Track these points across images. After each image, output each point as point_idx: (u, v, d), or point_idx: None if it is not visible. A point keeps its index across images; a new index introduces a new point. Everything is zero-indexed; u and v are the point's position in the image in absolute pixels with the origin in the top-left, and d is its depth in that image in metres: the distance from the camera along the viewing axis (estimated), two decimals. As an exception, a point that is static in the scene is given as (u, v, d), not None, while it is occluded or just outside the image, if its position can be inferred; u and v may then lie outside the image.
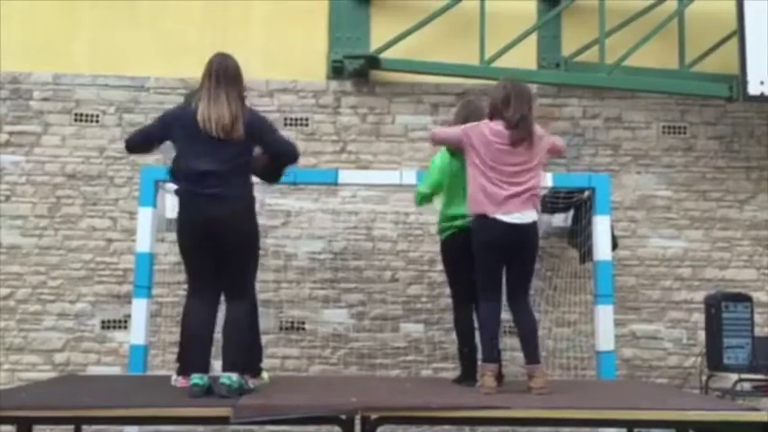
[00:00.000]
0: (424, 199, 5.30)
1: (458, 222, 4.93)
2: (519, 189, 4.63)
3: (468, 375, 4.91)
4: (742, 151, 7.17)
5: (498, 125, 4.69)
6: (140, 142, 4.52)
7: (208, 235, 4.24)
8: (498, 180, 4.63)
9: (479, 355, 4.75)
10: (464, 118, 5.01)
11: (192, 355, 4.36)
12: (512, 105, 4.67)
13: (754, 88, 6.64)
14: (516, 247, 4.66)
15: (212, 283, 4.34)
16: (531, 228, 4.69)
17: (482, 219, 4.65)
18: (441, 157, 5.16)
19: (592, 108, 7.20)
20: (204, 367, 4.24)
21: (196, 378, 4.18)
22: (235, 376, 4.17)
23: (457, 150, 4.91)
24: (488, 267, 4.69)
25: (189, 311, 4.43)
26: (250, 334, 4.58)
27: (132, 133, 4.64)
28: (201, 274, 4.35)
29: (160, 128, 4.45)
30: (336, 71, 7.08)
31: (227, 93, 4.30)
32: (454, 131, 4.84)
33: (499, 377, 4.79)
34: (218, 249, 4.28)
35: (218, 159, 4.24)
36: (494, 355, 4.66)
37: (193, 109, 4.32)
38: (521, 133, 4.65)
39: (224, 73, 4.32)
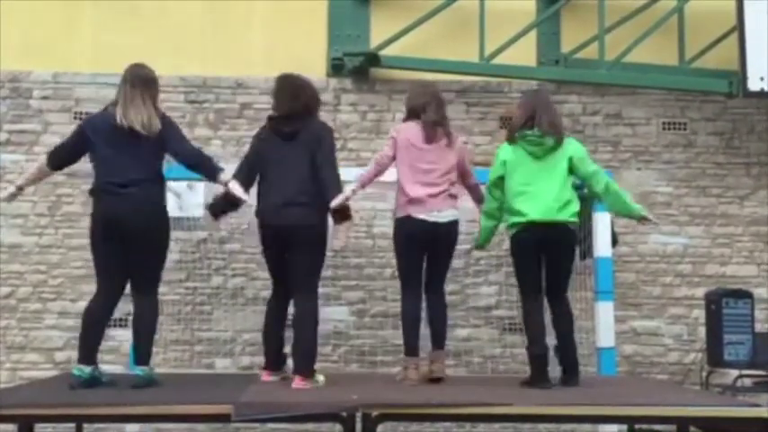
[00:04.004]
0: (490, 234, 5.32)
1: (524, 218, 4.92)
2: (435, 190, 4.97)
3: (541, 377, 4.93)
4: (742, 147, 7.17)
5: (416, 125, 5.03)
6: (64, 156, 4.98)
7: (117, 232, 4.68)
8: (418, 180, 4.97)
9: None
10: (531, 109, 5.03)
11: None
12: (430, 108, 5.04)
13: (753, 84, 6.62)
14: (434, 243, 5.03)
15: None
16: (452, 225, 5.06)
17: (405, 218, 5.02)
18: (503, 150, 5.11)
19: (592, 105, 7.20)
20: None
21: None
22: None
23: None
24: (409, 260, 5.07)
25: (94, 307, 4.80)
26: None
27: (53, 150, 5.03)
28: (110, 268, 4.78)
29: (78, 135, 4.90)
30: (336, 68, 7.07)
31: (142, 95, 4.73)
32: (386, 151, 5.12)
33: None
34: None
35: (135, 160, 4.70)
36: (416, 349, 4.99)
37: (110, 113, 4.76)
38: (435, 132, 5.02)
39: (138, 79, 4.81)
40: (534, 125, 4.97)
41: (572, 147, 5.07)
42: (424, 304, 5.09)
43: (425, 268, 5.14)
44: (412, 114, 5.17)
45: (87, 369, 4.60)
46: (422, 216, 4.97)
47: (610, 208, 5.45)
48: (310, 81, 5.21)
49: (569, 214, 4.93)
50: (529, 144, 4.97)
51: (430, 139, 5.04)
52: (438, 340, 5.08)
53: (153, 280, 4.85)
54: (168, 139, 4.80)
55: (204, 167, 4.88)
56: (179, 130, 4.94)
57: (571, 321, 5.04)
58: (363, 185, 5.07)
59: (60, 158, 4.98)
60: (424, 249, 5.06)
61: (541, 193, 4.90)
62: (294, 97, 5.03)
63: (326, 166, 4.88)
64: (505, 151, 5.07)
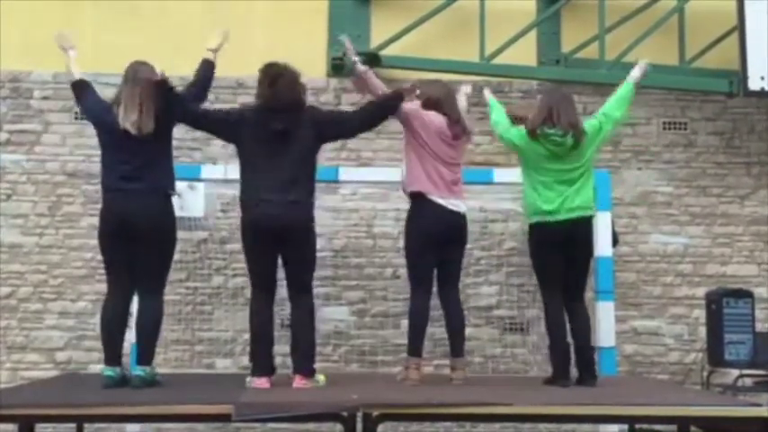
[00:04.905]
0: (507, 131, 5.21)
1: (543, 218, 4.93)
2: (456, 179, 5.01)
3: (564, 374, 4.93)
4: (742, 147, 7.17)
5: (440, 116, 4.99)
6: (82, 89, 5.07)
7: (123, 231, 4.75)
8: (444, 172, 4.95)
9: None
10: (547, 107, 4.99)
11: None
12: (452, 103, 5.04)
13: (754, 83, 6.63)
14: (450, 233, 5.00)
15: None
16: (465, 219, 5.09)
17: (422, 200, 4.96)
18: (519, 134, 5.09)
19: (592, 104, 7.16)
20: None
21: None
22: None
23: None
24: (423, 254, 5.01)
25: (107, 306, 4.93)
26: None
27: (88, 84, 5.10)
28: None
29: (94, 102, 5.03)
30: (336, 68, 7.06)
31: (141, 95, 4.74)
32: (407, 104, 5.07)
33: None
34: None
35: (140, 159, 4.75)
36: (419, 349, 4.96)
37: (114, 113, 4.79)
38: (460, 129, 5.02)
39: (139, 78, 4.83)
40: (554, 124, 4.92)
41: (586, 138, 5.01)
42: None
43: (439, 269, 5.10)
44: (428, 105, 5.11)
45: (117, 369, 4.68)
46: (442, 202, 4.97)
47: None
48: (298, 72, 5.10)
49: (588, 211, 4.99)
50: (550, 144, 4.94)
51: (457, 136, 5.07)
52: (457, 348, 5.07)
53: (158, 279, 4.85)
54: (174, 106, 4.88)
55: (198, 78, 5.13)
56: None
57: (588, 322, 5.05)
58: (364, 73, 5.18)
59: (81, 87, 5.10)
60: (439, 242, 5.00)
61: (561, 193, 4.91)
62: (288, 91, 4.93)
63: (345, 115, 5.19)
64: (525, 139, 5.02)
